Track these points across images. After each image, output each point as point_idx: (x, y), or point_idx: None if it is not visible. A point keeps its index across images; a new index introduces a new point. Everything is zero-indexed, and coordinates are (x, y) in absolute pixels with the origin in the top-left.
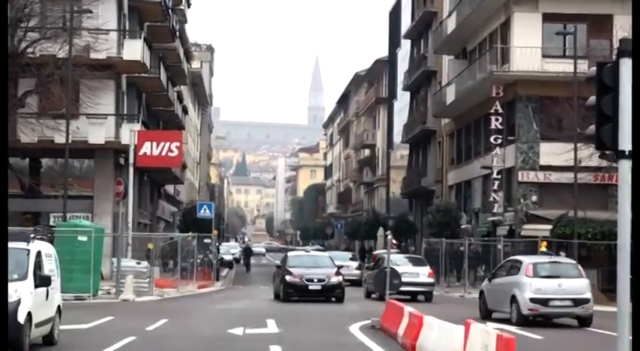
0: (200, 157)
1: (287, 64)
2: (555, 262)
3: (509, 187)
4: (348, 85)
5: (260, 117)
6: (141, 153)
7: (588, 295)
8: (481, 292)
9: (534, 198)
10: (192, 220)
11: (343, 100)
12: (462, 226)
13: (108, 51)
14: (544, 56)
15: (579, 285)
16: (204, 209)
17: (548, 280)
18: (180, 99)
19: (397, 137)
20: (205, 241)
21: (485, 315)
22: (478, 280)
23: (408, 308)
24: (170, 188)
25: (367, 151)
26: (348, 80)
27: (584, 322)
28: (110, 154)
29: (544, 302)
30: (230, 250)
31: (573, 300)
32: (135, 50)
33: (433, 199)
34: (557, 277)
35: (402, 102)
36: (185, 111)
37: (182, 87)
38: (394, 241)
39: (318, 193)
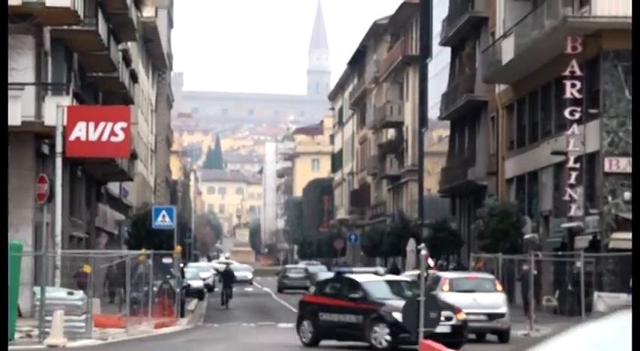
0: (156, 143)
1: (278, 11)
2: (473, 277)
3: (592, 181)
4: (364, 38)
5: (240, 86)
6: (72, 138)
7: (504, 309)
8: None
9: (627, 195)
10: (147, 231)
11: (357, 61)
12: (526, 236)
13: None
14: None
15: (495, 300)
16: (163, 216)
17: (463, 294)
18: (128, 61)
19: (433, 112)
20: (165, 261)
21: None
22: (547, 312)
23: None
24: (114, 187)
25: (391, 132)
26: (363, 32)
27: (502, 337)
28: (29, 140)
29: None
30: (200, 273)
31: (488, 314)
32: None
33: (485, 199)
34: (473, 291)
35: (440, 62)
36: (134, 78)
37: (129, 44)
38: (430, 262)
39: (322, 192)
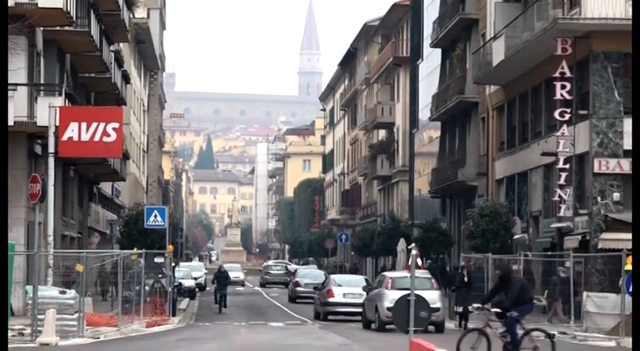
0: (148, 144)
1: (269, 13)
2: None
3: (582, 182)
4: (355, 40)
5: (231, 87)
6: (65, 138)
7: (438, 304)
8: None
9: (616, 196)
10: (139, 231)
11: (348, 62)
12: (516, 237)
13: None
14: None
15: (431, 296)
16: (155, 216)
17: (403, 291)
18: (120, 62)
19: (424, 113)
20: (157, 260)
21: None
22: (537, 311)
23: None
24: (107, 187)
25: (382, 133)
26: (354, 34)
27: (438, 328)
28: (22, 140)
29: None
30: (192, 272)
31: None
32: None
33: (475, 199)
34: None
35: (431, 63)
36: (126, 79)
37: (121, 45)
38: (419, 261)
39: (313, 193)
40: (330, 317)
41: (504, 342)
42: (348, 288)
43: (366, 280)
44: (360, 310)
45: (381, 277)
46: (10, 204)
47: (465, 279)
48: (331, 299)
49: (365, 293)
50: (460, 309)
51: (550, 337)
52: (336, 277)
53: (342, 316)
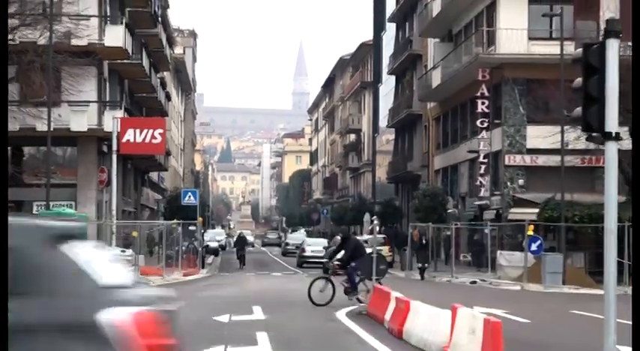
0: (184, 144)
1: (271, 49)
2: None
3: (496, 171)
4: (333, 69)
5: (244, 103)
6: (124, 140)
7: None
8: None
9: (521, 182)
10: (177, 207)
11: (328, 85)
12: (449, 211)
13: (89, 37)
14: (530, 38)
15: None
16: (189, 196)
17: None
18: (163, 85)
19: (383, 122)
20: (190, 228)
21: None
22: (464, 265)
23: (395, 293)
24: (154, 175)
25: (353, 136)
26: (332, 64)
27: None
28: (93, 142)
29: None
30: (215, 236)
31: None
32: (116, 36)
33: (419, 184)
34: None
35: (388, 86)
36: (168, 97)
37: (165, 73)
38: (377, 228)
39: (303, 179)
40: (304, 265)
41: (345, 286)
42: (314, 247)
43: (327, 241)
44: (321, 260)
45: (335, 239)
46: (84, 188)
47: (424, 242)
48: (304, 254)
49: (325, 250)
50: (420, 265)
51: (380, 282)
52: (307, 240)
53: (311, 264)
